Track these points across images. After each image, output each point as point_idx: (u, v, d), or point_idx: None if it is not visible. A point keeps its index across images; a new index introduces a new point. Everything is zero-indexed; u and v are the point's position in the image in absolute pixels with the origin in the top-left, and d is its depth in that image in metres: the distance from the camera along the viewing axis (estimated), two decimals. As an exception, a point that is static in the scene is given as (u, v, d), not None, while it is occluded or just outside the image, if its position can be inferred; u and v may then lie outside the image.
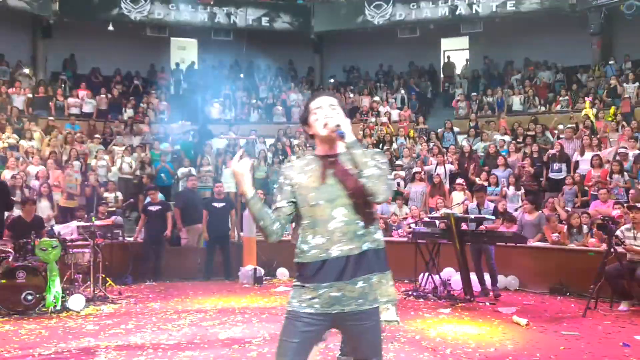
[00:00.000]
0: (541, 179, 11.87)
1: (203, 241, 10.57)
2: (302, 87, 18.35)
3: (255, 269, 9.75)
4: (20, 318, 6.99)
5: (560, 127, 13.65)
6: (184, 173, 12.63)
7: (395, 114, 16.24)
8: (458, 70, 19.42)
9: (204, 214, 10.52)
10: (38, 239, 7.63)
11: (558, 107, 15.60)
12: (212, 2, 17.04)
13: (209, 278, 10.11)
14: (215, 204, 10.56)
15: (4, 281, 7.12)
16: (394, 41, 18.50)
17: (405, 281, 9.29)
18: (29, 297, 7.21)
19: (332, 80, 19.06)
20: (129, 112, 16.00)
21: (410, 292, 8.39)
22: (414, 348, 5.49)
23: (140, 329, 6.41)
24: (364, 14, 18.44)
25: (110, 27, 17.78)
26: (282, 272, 10.30)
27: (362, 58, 19.44)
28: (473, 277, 8.34)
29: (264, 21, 18.75)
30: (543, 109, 15.93)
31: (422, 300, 8.06)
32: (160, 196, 11.26)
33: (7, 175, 10.97)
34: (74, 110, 15.80)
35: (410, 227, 9.54)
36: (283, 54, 19.53)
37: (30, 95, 15.72)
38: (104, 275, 8.47)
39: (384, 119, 15.66)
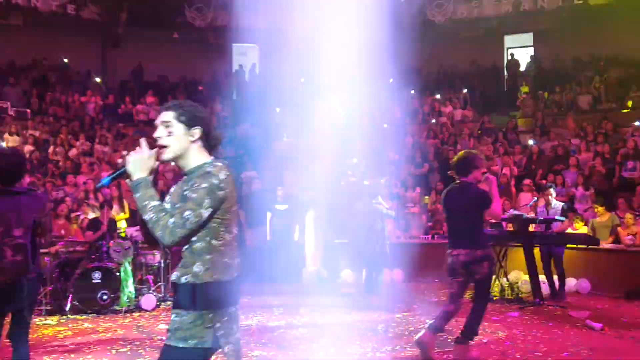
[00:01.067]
0: (613, 178, 11.42)
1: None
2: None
3: (318, 271, 9.81)
4: (97, 317, 7.29)
5: (637, 123, 13.06)
6: (247, 176, 12.83)
7: (457, 114, 16.00)
8: (522, 68, 18.93)
9: (268, 216, 10.68)
10: (112, 241, 7.95)
11: (630, 104, 14.95)
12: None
13: (273, 279, 10.22)
14: (278, 207, 10.69)
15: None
16: (455, 40, 18.21)
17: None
18: (104, 297, 7.51)
19: (391, 80, 18.91)
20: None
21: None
22: (483, 352, 5.38)
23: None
24: (421, 14, 18.21)
25: (175, 35, 18.29)
26: (347, 273, 10.31)
27: (423, 58, 19.21)
28: (542, 279, 8.11)
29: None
30: (614, 106, 15.31)
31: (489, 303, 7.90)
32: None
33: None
34: (142, 117, 16.34)
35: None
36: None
37: (101, 103, 16.38)
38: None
39: (446, 119, 15.45)
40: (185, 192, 2.37)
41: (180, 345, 2.36)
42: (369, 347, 5.64)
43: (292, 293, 8.94)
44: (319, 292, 9.16)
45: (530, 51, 19.30)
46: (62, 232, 9.01)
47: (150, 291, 8.03)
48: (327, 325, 6.74)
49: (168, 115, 2.51)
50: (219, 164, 2.45)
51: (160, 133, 2.49)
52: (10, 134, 13.02)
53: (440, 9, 18.11)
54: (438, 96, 17.11)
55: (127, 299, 7.67)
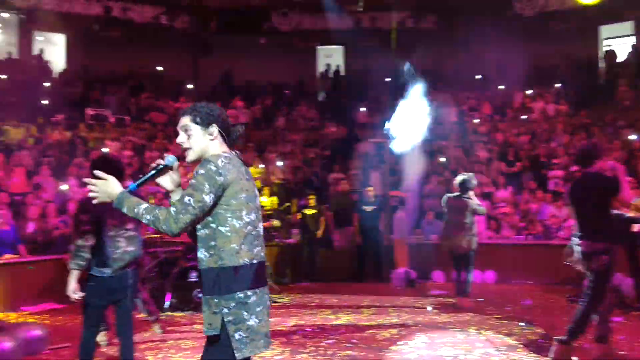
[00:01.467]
0: None
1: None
2: (449, 86, 17.99)
3: (407, 272, 9.74)
4: (193, 314, 7.60)
5: None
6: (334, 178, 12.93)
7: (550, 110, 15.37)
8: (621, 59, 17.88)
9: (355, 216, 10.72)
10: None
11: None
12: (360, 9, 17.30)
13: (361, 280, 10.26)
14: (366, 207, 10.71)
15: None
16: (546, 33, 17.49)
17: (569, 286, 8.75)
18: (200, 295, 7.79)
19: (479, 77, 18.47)
20: (280, 121, 16.73)
21: (574, 298, 7.88)
22: (585, 358, 5.15)
23: (300, 328, 6.67)
24: (512, 7, 17.66)
25: (263, 40, 18.73)
26: (437, 275, 10.18)
27: (513, 53, 18.58)
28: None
29: (408, 22, 18.66)
30: None
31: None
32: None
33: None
34: (231, 121, 16.83)
35: (572, 230, 8.96)
36: (430, 53, 19.28)
37: (193, 109, 17.04)
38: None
39: (538, 116, 14.88)
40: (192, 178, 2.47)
41: (204, 329, 2.52)
42: (460, 349, 5.54)
43: (382, 293, 8.93)
44: (409, 292, 9.11)
45: (631, 40, 18.19)
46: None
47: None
48: (417, 326, 6.69)
49: (185, 120, 2.61)
50: (225, 154, 2.52)
51: (181, 138, 2.61)
52: (112, 140, 13.80)
53: (529, 2, 17.46)
54: (529, 91, 16.51)
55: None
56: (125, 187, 2.61)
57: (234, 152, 2.61)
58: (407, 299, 8.49)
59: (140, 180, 2.62)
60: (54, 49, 18.10)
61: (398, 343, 5.85)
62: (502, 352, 5.43)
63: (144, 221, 2.48)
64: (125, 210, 2.51)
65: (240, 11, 18.88)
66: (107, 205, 3.77)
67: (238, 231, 2.46)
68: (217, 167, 2.43)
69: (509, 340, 5.88)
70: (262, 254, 2.58)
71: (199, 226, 2.49)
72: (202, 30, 18.87)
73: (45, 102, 15.11)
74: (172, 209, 2.42)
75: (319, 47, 20.51)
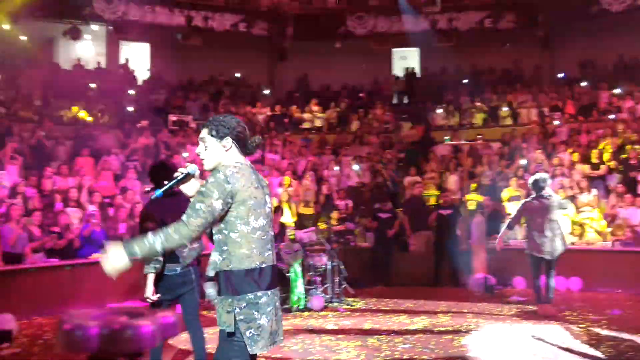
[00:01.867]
0: None
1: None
2: (529, 87, 17.43)
3: (486, 277, 9.50)
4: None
5: None
6: (410, 181, 12.81)
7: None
8: None
9: (431, 220, 10.57)
10: (282, 244, 8.39)
11: None
12: (438, 9, 17.08)
13: (438, 284, 10.10)
14: (442, 211, 10.55)
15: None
16: (636, 28, 16.61)
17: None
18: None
19: (562, 75, 17.76)
20: (355, 124, 16.75)
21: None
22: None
23: (376, 332, 6.65)
24: (598, 3, 16.89)
25: (338, 45, 18.84)
26: (518, 281, 9.87)
27: (598, 50, 17.79)
28: None
29: (487, 22, 18.24)
30: None
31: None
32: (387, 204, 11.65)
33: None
34: (307, 125, 17.03)
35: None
36: (507, 54, 18.78)
37: (270, 113, 17.36)
38: (339, 278, 8.94)
39: (627, 116, 14.12)
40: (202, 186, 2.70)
41: (219, 326, 2.73)
42: (539, 358, 5.35)
43: (459, 299, 8.75)
44: (487, 298, 8.88)
45: None
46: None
47: (319, 292, 8.33)
48: (495, 332, 6.51)
49: (203, 133, 2.86)
50: (236, 164, 2.75)
51: (199, 149, 2.86)
52: (193, 145, 14.27)
53: (617, -3, 16.64)
54: (617, 90, 15.72)
55: (297, 298, 8.04)
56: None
57: (247, 162, 2.84)
58: (486, 305, 8.27)
59: (165, 187, 2.86)
60: (138, 58, 18.96)
61: (475, 350, 5.72)
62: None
63: (158, 248, 2.63)
64: (140, 254, 2.65)
65: (315, 17, 19.09)
66: (167, 207, 4.03)
67: (247, 236, 2.68)
68: (225, 175, 2.66)
69: (595, 352, 5.62)
70: (273, 257, 2.79)
71: (214, 231, 2.74)
72: (278, 37, 19.22)
73: (131, 108, 15.84)
74: (184, 216, 2.64)
75: (395, 50, 20.41)
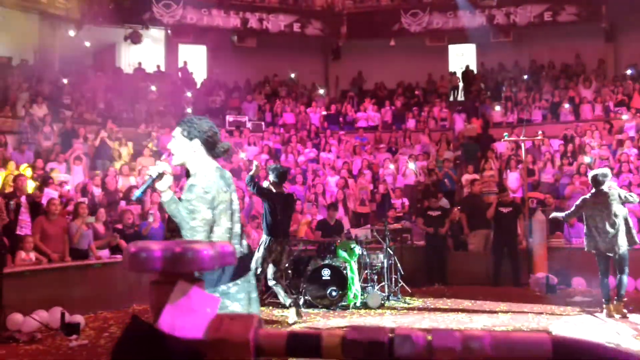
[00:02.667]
0: None
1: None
2: (592, 81, 16.84)
3: (547, 277, 9.23)
4: (327, 312, 7.76)
5: None
6: (468, 178, 12.59)
7: None
8: None
9: (490, 219, 10.35)
10: (339, 241, 8.39)
11: None
12: (494, 4, 16.75)
13: (497, 284, 9.88)
14: (502, 209, 10.31)
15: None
16: None
17: None
18: (334, 293, 7.95)
19: (630, 72, 17.06)
20: (411, 122, 16.60)
21: None
22: None
23: (433, 327, 6.56)
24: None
25: (392, 43, 18.73)
26: (579, 281, 9.55)
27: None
28: None
29: (546, 16, 17.75)
30: None
31: None
32: (444, 202, 11.48)
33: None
34: (362, 124, 16.98)
35: None
36: (569, 47, 18.21)
37: (324, 113, 17.41)
38: (396, 276, 8.88)
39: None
40: (184, 202, 2.93)
41: None
42: None
43: (519, 298, 8.53)
44: (549, 298, 8.63)
45: None
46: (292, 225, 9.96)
47: (375, 289, 8.30)
48: (557, 331, 6.32)
49: (176, 131, 3.08)
50: (207, 171, 2.96)
51: (170, 144, 3.09)
52: (249, 145, 14.49)
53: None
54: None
55: (354, 296, 8.03)
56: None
57: (215, 164, 3.05)
58: (547, 305, 8.03)
59: (141, 189, 3.11)
60: (196, 61, 19.39)
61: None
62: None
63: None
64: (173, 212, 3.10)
65: (369, 14, 19.04)
66: None
67: (221, 237, 2.93)
68: (202, 188, 2.89)
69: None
70: (241, 249, 3.05)
71: (196, 234, 2.95)
72: (332, 36, 19.26)
73: (189, 110, 16.21)
74: (186, 234, 2.92)
75: (451, 46, 20.12)
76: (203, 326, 1.00)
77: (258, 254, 6.91)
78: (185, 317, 1.02)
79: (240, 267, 2.95)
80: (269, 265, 7.04)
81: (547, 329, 6.37)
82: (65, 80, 15.47)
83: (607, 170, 7.46)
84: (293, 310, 6.95)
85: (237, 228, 3.04)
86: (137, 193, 3.14)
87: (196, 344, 0.98)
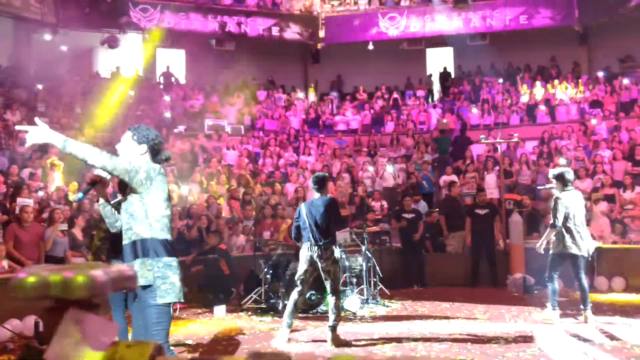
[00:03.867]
0: None
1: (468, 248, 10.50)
2: (567, 83, 17.10)
3: (525, 278, 9.34)
4: (306, 316, 7.76)
5: None
6: (446, 181, 12.70)
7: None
8: None
9: (467, 220, 10.45)
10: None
11: None
12: (469, 8, 16.93)
13: (475, 285, 9.98)
14: (479, 211, 10.41)
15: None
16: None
17: None
18: (313, 297, 7.96)
19: (601, 74, 17.36)
20: (390, 125, 16.69)
21: None
22: None
23: (412, 332, 6.61)
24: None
25: (370, 47, 18.83)
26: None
27: (637, 45, 17.36)
28: None
29: (522, 19, 17.98)
30: None
31: None
32: (422, 204, 11.57)
33: (289, 188, 12.36)
34: (341, 127, 17.04)
35: None
36: (544, 50, 18.48)
37: (304, 116, 17.44)
38: (375, 279, 8.91)
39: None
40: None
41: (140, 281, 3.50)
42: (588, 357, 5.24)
43: (496, 299, 8.62)
44: (526, 299, 8.73)
45: None
46: (271, 229, 9.92)
47: (354, 293, 8.33)
48: (534, 334, 6.40)
49: (127, 134, 3.53)
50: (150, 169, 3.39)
51: (119, 145, 3.55)
52: (228, 149, 14.45)
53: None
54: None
55: (333, 300, 8.03)
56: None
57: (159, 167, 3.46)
58: (525, 307, 8.12)
59: (84, 191, 3.68)
60: (174, 65, 19.31)
61: (514, 351, 5.64)
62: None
63: (93, 160, 3.25)
64: (72, 150, 3.26)
65: (347, 19, 19.13)
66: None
67: (159, 219, 3.44)
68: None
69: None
70: (170, 237, 3.50)
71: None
72: (311, 40, 19.31)
73: (168, 114, 16.13)
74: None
75: (428, 50, 20.29)
76: (97, 355, 0.96)
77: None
78: (78, 347, 0.97)
79: (174, 249, 3.48)
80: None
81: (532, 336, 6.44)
82: (40, 86, 15.30)
83: (570, 169, 7.51)
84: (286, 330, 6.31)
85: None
86: (78, 195, 3.69)
87: None
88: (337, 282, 6.26)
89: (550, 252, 7.15)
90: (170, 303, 3.37)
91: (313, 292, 7.94)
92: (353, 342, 6.17)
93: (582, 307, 6.94)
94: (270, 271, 8.37)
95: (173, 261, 3.40)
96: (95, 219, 9.16)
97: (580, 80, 17.38)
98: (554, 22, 17.87)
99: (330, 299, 6.17)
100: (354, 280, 8.58)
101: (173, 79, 18.60)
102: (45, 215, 8.96)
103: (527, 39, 18.18)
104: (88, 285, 1.01)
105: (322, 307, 8.00)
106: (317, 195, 6.40)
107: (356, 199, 12.37)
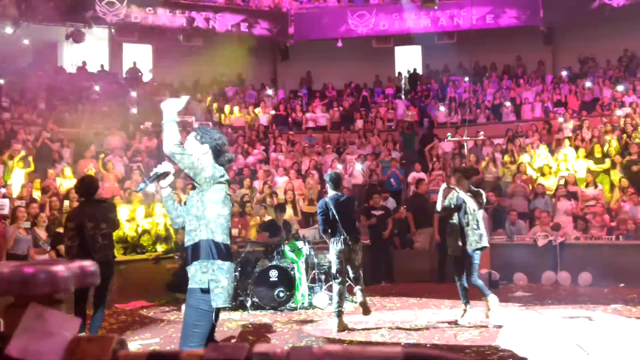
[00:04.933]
0: None
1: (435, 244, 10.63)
2: (532, 83, 17.41)
3: (490, 273, 9.50)
4: (274, 313, 7.77)
5: None
6: (414, 178, 12.82)
7: (643, 103, 14.52)
8: None
9: (435, 217, 10.57)
10: (287, 241, 8.42)
11: None
12: (436, 7, 17.08)
13: (442, 280, 10.10)
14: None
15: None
16: (638, 23, 16.58)
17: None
18: (281, 294, 7.97)
19: (565, 73, 17.73)
20: (359, 123, 16.76)
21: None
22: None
23: (380, 327, 6.68)
24: (600, -2, 16.87)
25: (339, 44, 18.86)
26: (520, 277, 9.87)
27: (600, 45, 17.76)
28: None
29: (489, 19, 18.24)
30: None
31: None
32: (390, 201, 11.66)
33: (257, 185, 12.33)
34: (311, 124, 17.05)
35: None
36: (510, 50, 18.78)
37: (273, 113, 17.39)
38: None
39: (630, 110, 14.10)
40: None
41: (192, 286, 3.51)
42: (543, 351, 5.37)
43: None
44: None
45: None
46: (239, 227, 9.90)
47: (323, 290, 8.36)
48: (499, 327, 6.51)
49: (190, 135, 3.64)
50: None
51: (185, 143, 3.58)
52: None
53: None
54: (620, 85, 15.69)
55: (302, 297, 8.07)
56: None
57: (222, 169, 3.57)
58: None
59: (147, 182, 3.57)
60: (141, 60, 19.03)
61: (479, 344, 5.74)
62: (588, 355, 5.22)
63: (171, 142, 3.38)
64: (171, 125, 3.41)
65: (316, 16, 19.13)
66: (91, 213, 5.93)
67: (225, 217, 3.50)
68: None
69: (600, 343, 5.63)
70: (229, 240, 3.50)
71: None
72: (280, 36, 19.25)
73: (134, 110, 15.91)
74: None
75: (397, 48, 20.41)
76: (59, 350, 0.96)
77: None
78: (39, 341, 0.97)
79: (230, 253, 3.47)
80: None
81: (488, 325, 6.56)
82: (2, 80, 14.93)
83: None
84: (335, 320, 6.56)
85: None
86: (141, 185, 3.57)
87: None
88: (360, 271, 6.79)
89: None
90: (216, 308, 3.34)
91: (282, 289, 7.95)
92: (322, 337, 6.20)
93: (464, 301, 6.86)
94: (239, 268, 8.34)
95: (224, 264, 3.36)
96: (61, 216, 9.01)
97: (544, 80, 17.71)
98: (519, 21, 18.17)
99: (355, 285, 6.81)
100: (323, 277, 8.60)
101: (139, 75, 18.34)
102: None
103: (494, 38, 18.42)
104: (50, 281, 1.01)
105: (290, 304, 8.02)
106: (331, 192, 6.84)
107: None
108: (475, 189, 6.97)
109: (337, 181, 6.89)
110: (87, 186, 6.09)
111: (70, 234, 5.88)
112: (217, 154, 3.55)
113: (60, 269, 1.03)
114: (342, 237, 6.48)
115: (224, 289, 3.31)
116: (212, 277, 3.29)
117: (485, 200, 7.01)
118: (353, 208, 6.77)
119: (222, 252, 3.35)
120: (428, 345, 5.75)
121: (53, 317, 1.01)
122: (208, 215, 3.36)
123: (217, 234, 3.35)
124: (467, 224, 6.74)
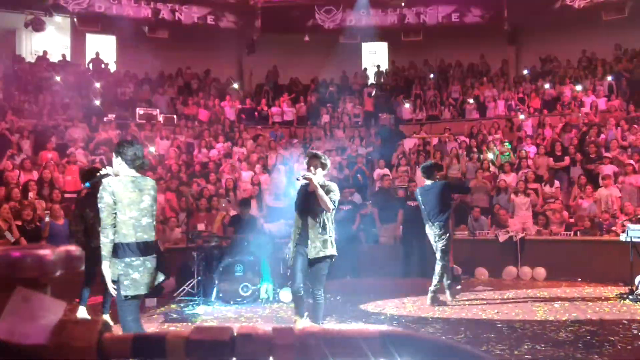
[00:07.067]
0: None
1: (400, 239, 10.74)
2: (495, 81, 17.72)
3: (452, 268, 9.63)
4: (239, 307, 7.74)
5: None
6: (379, 174, 12.92)
7: (602, 103, 14.93)
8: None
9: (399, 212, 10.69)
10: (252, 237, 8.39)
11: None
12: (403, 4, 17.22)
13: (407, 275, 10.22)
14: (410, 203, 10.66)
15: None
16: (597, 24, 17.02)
17: (620, 284, 8.55)
18: (246, 289, 7.95)
19: (526, 72, 18.11)
20: (325, 118, 16.79)
21: (625, 296, 7.71)
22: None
23: (342, 322, 6.72)
24: (562, -1, 17.24)
25: (306, 38, 18.83)
26: (481, 272, 10.06)
27: (562, 45, 18.17)
28: None
29: (454, 17, 18.46)
30: None
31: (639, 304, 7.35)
32: (357, 196, 11.72)
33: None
34: (277, 119, 17.01)
35: (624, 226, 8.74)
36: (474, 48, 19.05)
37: (239, 107, 17.28)
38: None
39: (588, 110, 14.48)
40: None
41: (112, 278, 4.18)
42: (506, 346, 5.49)
43: (426, 289, 8.85)
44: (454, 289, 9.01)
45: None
46: (205, 222, 9.81)
47: (288, 284, 8.35)
48: (461, 321, 6.64)
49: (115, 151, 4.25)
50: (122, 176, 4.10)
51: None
52: (161, 139, 14.15)
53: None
54: (579, 85, 16.10)
55: (266, 291, 8.06)
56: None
57: (131, 174, 4.10)
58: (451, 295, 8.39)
59: (92, 181, 4.35)
60: (105, 51, 18.66)
61: (422, 323, 5.83)
62: (547, 346, 5.35)
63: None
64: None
65: (284, 9, 19.04)
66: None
67: (126, 222, 3.98)
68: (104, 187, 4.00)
69: (556, 336, 5.79)
70: (145, 237, 4.04)
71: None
72: (247, 29, 19.11)
73: (97, 102, 15.61)
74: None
75: (364, 44, 20.49)
76: (46, 332, 0.98)
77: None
78: (26, 323, 0.99)
79: (143, 249, 4.02)
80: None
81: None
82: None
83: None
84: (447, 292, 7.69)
85: (144, 221, 4.04)
86: (87, 183, 4.46)
87: (38, 350, 0.96)
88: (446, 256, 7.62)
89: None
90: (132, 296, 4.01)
91: (247, 283, 7.93)
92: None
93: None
94: (204, 263, 8.29)
95: (136, 260, 4.01)
96: (21, 208, 8.81)
97: (507, 78, 18.04)
98: (484, 20, 18.45)
99: (437, 267, 7.58)
100: (288, 272, 8.59)
101: (103, 66, 18.00)
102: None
103: (459, 36, 18.66)
104: (37, 265, 1.03)
105: (255, 299, 8.01)
106: (428, 182, 7.56)
107: (291, 190, 12.38)
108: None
109: (428, 171, 7.60)
110: (90, 177, 6.12)
111: (76, 220, 6.72)
112: (130, 163, 4.13)
113: (46, 252, 1.05)
114: (428, 224, 7.71)
115: (135, 281, 3.96)
116: (121, 272, 3.96)
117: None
118: (443, 194, 7.51)
119: (130, 250, 4.00)
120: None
121: (39, 300, 1.03)
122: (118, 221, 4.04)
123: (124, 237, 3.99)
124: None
